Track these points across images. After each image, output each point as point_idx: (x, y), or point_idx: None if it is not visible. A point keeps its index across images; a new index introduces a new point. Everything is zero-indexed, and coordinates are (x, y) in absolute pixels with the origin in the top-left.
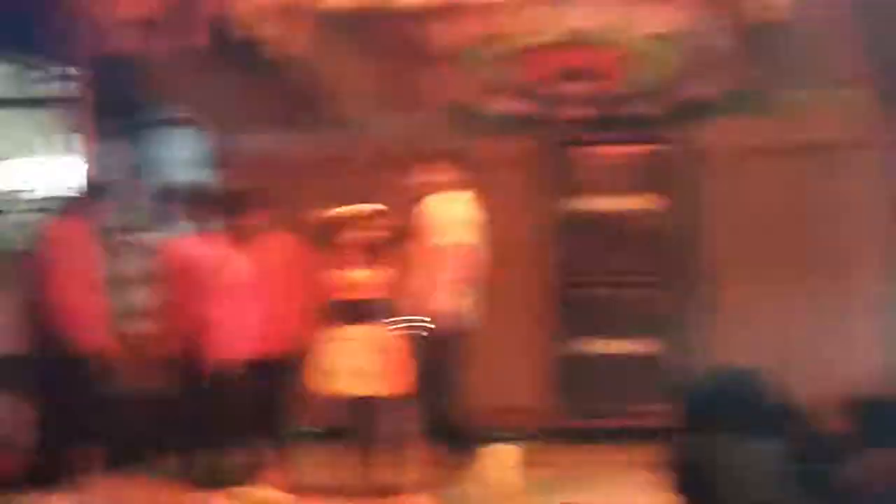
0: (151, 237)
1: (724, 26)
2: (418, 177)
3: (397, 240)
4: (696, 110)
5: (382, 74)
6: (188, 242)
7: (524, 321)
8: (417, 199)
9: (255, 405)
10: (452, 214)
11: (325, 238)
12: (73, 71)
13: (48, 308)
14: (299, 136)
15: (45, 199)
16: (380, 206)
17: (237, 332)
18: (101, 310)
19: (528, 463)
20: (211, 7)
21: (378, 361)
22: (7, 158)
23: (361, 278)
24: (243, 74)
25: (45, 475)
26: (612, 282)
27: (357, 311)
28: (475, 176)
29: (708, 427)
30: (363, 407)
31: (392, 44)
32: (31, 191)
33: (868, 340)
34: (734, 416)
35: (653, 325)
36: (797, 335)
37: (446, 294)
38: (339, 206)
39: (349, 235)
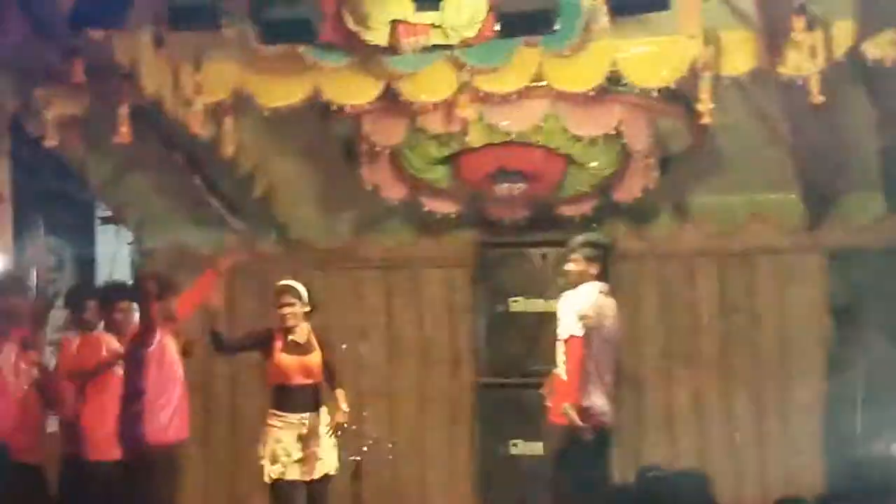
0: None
1: (655, 132)
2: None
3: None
4: (626, 214)
5: (316, 173)
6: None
7: (449, 421)
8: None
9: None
10: (598, 303)
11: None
12: None
13: None
14: (230, 235)
15: None
16: (294, 284)
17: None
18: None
19: None
20: (137, 102)
21: (316, 446)
22: None
23: (293, 363)
24: (172, 172)
25: None
26: (539, 383)
27: (293, 397)
28: (406, 273)
29: None
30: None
31: (326, 143)
32: None
33: (802, 444)
34: None
35: None
36: (726, 438)
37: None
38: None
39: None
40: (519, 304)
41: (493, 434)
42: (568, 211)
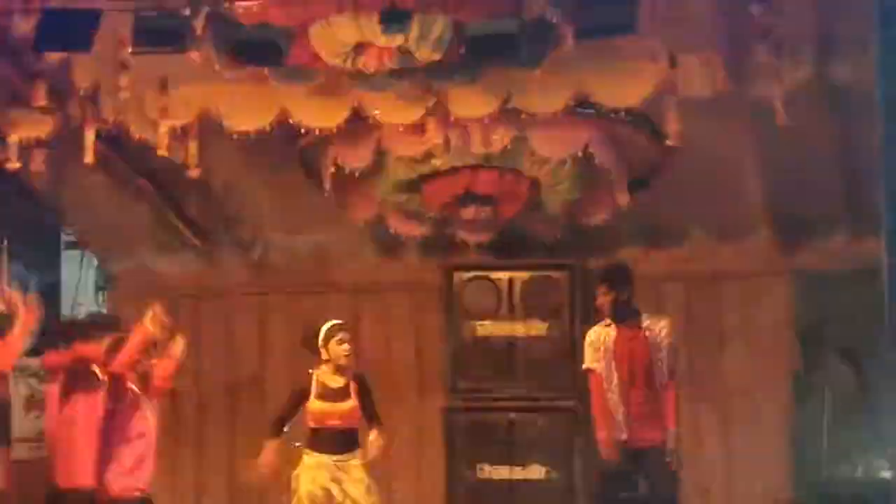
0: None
1: (623, 155)
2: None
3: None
4: (595, 237)
5: (283, 196)
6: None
7: (419, 446)
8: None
9: None
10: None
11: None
12: None
13: None
14: (196, 259)
15: None
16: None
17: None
18: None
19: None
20: (103, 126)
21: (356, 488)
22: None
23: (334, 407)
24: (137, 196)
25: None
26: (507, 407)
27: (334, 439)
28: (373, 297)
29: None
30: None
31: (293, 165)
32: None
33: (769, 465)
34: None
35: (547, 450)
36: (695, 459)
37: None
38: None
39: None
40: (486, 328)
41: (462, 458)
42: (536, 234)
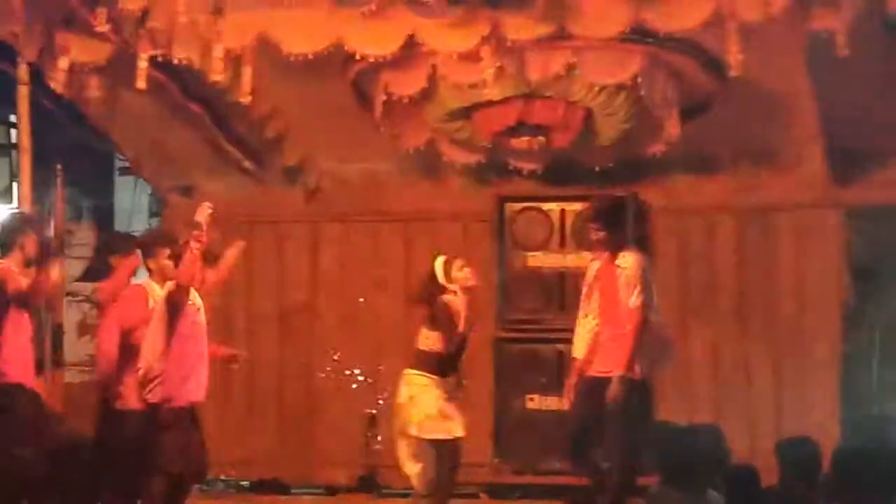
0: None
1: (677, 84)
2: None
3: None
4: (647, 166)
5: (335, 123)
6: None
7: (469, 376)
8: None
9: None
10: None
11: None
12: (13, 117)
13: None
14: (249, 185)
15: None
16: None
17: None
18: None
19: None
20: (156, 52)
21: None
22: None
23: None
24: (191, 121)
25: None
26: (557, 338)
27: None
28: (424, 226)
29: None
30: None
31: (345, 93)
32: None
33: (818, 401)
34: (674, 472)
35: None
36: (742, 393)
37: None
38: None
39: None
40: (537, 259)
41: (512, 389)
42: (588, 163)
